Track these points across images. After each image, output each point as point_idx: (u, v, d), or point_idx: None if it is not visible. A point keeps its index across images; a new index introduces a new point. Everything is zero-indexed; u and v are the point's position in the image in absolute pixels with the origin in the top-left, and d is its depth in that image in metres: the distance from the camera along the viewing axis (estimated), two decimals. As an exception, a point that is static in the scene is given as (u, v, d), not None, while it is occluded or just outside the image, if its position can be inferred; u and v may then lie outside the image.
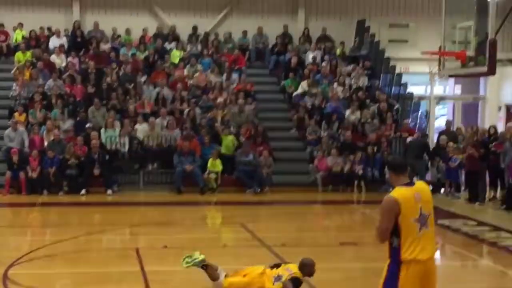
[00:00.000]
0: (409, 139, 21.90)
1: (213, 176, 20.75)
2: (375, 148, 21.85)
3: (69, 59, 24.71)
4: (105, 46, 25.68)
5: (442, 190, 21.17)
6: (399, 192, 6.48)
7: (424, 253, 6.52)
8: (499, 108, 27.83)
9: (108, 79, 23.74)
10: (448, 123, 23.53)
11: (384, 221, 6.47)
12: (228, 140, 21.64)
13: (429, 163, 22.00)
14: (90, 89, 23.32)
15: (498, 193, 19.83)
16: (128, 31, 26.43)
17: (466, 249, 13.36)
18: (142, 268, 11.20)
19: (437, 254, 14.13)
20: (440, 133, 22.94)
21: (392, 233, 6.47)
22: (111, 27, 26.44)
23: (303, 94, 24.52)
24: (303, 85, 24.75)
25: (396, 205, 6.41)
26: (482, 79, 28.15)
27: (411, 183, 6.64)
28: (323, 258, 12.42)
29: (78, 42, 25.75)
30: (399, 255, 6.46)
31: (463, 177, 20.72)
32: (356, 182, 21.22)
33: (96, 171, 20.21)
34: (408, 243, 6.45)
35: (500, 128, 23.13)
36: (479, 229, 15.53)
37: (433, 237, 6.67)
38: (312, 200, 20.31)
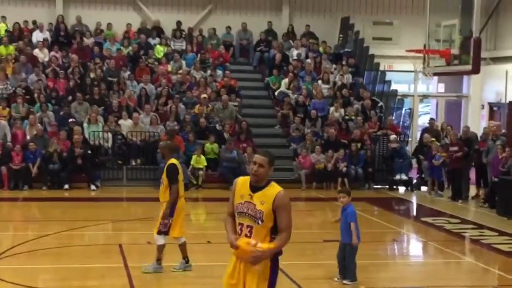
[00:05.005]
0: (393, 145, 21.98)
1: (201, 173, 20.69)
2: (359, 145, 21.90)
3: (52, 53, 24.57)
4: (88, 41, 25.56)
5: (425, 188, 21.24)
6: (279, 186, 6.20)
7: None
8: (482, 107, 27.98)
9: (92, 74, 23.62)
10: (432, 121, 23.61)
11: (290, 217, 6.15)
12: (211, 148, 21.53)
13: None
14: (73, 84, 23.19)
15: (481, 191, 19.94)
16: (109, 26, 26.32)
17: (449, 247, 13.39)
18: (125, 264, 11.16)
19: (419, 252, 14.24)
20: (423, 131, 23.04)
21: (275, 230, 6.19)
22: (94, 22, 26.33)
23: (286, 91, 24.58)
24: (284, 83, 24.77)
25: None
26: (465, 78, 28.30)
27: None
28: (307, 255, 12.48)
29: (62, 36, 25.61)
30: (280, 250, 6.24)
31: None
32: (339, 180, 21.24)
33: (79, 161, 20.09)
34: None
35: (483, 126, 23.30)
36: (462, 227, 15.62)
37: None
38: (295, 197, 20.20)
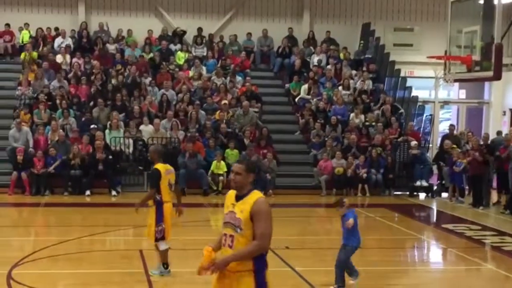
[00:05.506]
0: (413, 151, 21.89)
1: (221, 179, 20.74)
2: (379, 150, 21.85)
3: (74, 59, 24.76)
4: (110, 47, 25.73)
5: (446, 194, 21.17)
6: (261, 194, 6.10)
7: None
8: (504, 113, 27.82)
9: (113, 80, 23.77)
10: (451, 128, 23.51)
11: (270, 224, 5.96)
12: (233, 155, 21.56)
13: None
14: (95, 90, 23.35)
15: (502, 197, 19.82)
16: (130, 32, 26.49)
17: (470, 254, 13.32)
18: (145, 270, 11.21)
19: (440, 258, 14.17)
20: (444, 137, 22.94)
21: None
22: (116, 29, 26.49)
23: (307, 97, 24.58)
24: (304, 89, 24.78)
25: None
26: (486, 84, 28.15)
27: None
28: (327, 261, 12.44)
29: (84, 42, 25.81)
30: (265, 259, 6.08)
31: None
32: (360, 186, 21.22)
33: (100, 167, 20.25)
34: None
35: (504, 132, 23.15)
36: (482, 234, 15.53)
37: None
38: (315, 203, 20.32)
